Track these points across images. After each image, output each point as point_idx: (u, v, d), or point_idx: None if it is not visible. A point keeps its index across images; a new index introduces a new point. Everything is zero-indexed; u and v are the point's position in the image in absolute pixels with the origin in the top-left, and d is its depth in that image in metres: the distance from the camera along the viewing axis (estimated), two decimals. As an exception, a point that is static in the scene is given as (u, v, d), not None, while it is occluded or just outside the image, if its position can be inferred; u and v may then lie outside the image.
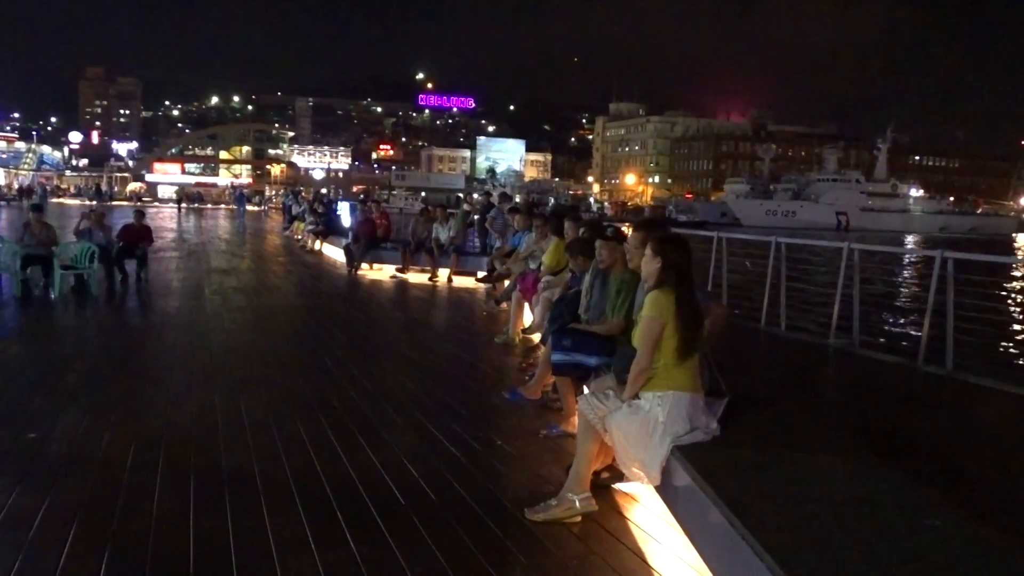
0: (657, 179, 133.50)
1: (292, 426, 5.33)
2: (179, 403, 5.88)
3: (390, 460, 4.72)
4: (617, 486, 4.31)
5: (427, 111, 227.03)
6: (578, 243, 5.87)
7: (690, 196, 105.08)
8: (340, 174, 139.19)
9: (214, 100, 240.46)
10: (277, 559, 3.45)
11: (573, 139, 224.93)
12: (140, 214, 14.43)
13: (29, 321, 9.76)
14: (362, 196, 50.65)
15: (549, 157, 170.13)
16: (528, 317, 8.57)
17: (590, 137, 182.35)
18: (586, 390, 4.68)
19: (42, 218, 12.09)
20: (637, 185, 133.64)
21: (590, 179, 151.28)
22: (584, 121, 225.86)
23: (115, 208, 46.79)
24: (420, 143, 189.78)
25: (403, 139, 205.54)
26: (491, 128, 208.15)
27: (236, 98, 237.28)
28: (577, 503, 3.91)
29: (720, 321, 4.48)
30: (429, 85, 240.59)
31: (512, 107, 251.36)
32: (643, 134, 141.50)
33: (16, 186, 77.45)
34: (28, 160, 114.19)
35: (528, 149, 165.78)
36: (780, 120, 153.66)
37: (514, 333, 8.45)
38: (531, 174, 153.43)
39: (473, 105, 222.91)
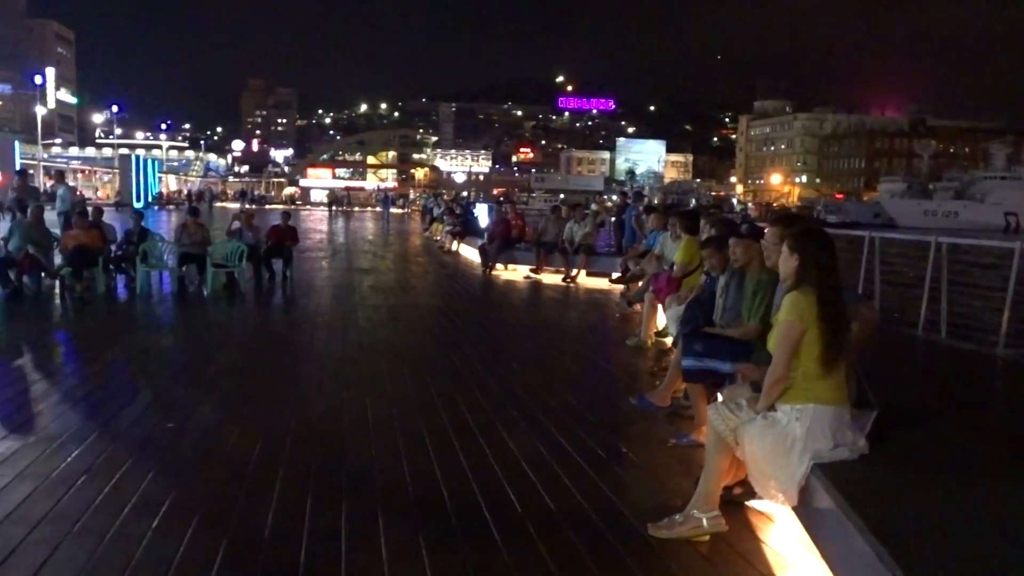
0: (805, 179, 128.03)
1: (415, 426, 5.28)
2: (309, 400, 5.96)
3: (510, 464, 4.57)
4: (751, 503, 3.97)
5: (566, 113, 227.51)
6: (712, 242, 5.53)
7: (840, 196, 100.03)
8: (481, 177, 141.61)
9: (363, 108, 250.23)
10: (387, 562, 3.37)
11: (715, 139, 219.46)
12: (286, 215, 15.02)
13: (181, 316, 10.31)
14: (500, 198, 51.19)
15: (690, 158, 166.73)
16: (662, 319, 8.25)
17: (733, 136, 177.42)
18: (719, 398, 4.37)
19: (197, 220, 12.77)
20: (783, 185, 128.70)
21: (733, 179, 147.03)
22: (727, 120, 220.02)
23: (269, 211, 49.30)
24: (559, 145, 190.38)
25: (543, 142, 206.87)
26: (630, 129, 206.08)
27: (383, 105, 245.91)
28: (704, 522, 3.61)
29: (869, 326, 4.05)
30: (568, 87, 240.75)
31: (652, 107, 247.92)
32: (790, 132, 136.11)
33: (185, 191, 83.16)
34: (196, 167, 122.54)
35: (668, 150, 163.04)
36: (940, 114, 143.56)
37: (646, 335, 8.15)
38: (671, 175, 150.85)
39: (612, 106, 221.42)
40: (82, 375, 6.79)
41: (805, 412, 3.39)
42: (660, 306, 8.14)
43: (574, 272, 14.44)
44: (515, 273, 15.51)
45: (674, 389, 5.60)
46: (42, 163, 69.96)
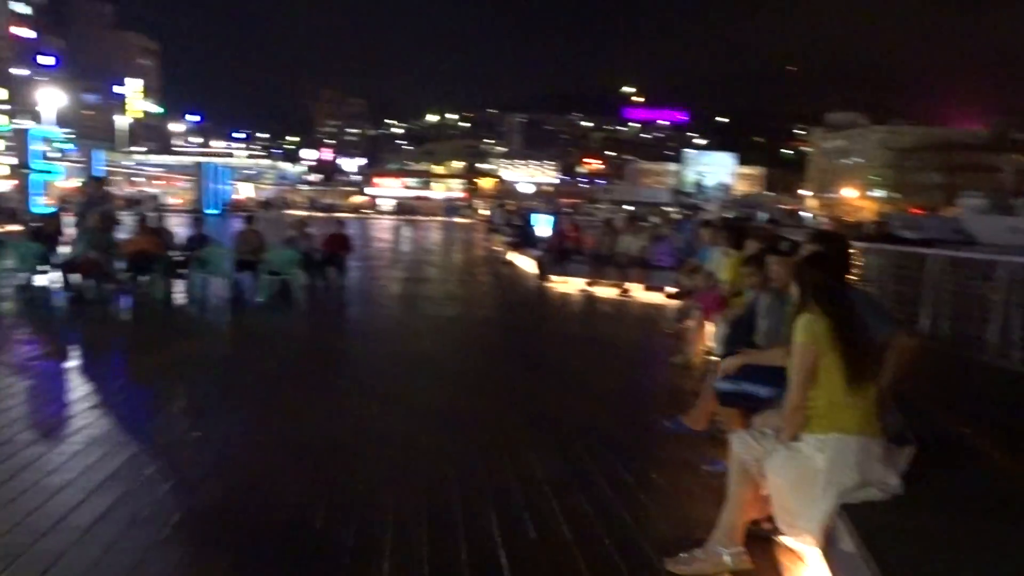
0: (880, 193, 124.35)
1: (439, 442, 5.16)
2: (337, 411, 5.90)
3: (530, 486, 4.41)
4: (782, 539, 3.73)
5: (635, 124, 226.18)
6: (751, 259, 5.28)
7: (918, 211, 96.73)
8: (547, 187, 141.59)
9: (432, 118, 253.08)
10: (385, 587, 3.25)
11: (787, 151, 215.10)
12: (341, 224, 15.14)
13: (231, 322, 10.45)
14: (563, 209, 50.99)
15: (761, 170, 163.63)
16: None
17: (805, 149, 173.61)
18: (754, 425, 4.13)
19: (253, 227, 12.96)
20: (858, 199, 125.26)
21: (805, 193, 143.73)
22: (799, 132, 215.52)
23: (324, 219, 50.05)
24: (627, 157, 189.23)
25: (609, 153, 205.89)
26: (699, 141, 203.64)
27: (452, 116, 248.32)
28: (727, 558, 3.39)
29: (907, 353, 3.76)
30: (636, 99, 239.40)
31: (722, 119, 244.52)
32: (865, 145, 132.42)
33: (258, 198, 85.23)
34: (269, 175, 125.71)
35: (739, 162, 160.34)
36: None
37: (693, 354, 7.89)
38: (741, 188, 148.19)
39: (681, 117, 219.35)
40: (124, 379, 6.90)
41: (828, 442, 3.16)
42: (710, 323, 7.89)
43: (628, 286, 14.19)
44: (570, 285, 15.33)
45: (710, 413, 5.36)
46: (125, 170, 72.69)
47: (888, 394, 3.51)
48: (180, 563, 3.42)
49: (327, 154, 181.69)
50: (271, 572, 3.37)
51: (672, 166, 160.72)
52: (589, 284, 14.84)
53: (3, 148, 61.22)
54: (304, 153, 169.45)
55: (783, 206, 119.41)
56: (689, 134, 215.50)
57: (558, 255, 15.93)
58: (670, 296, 12.12)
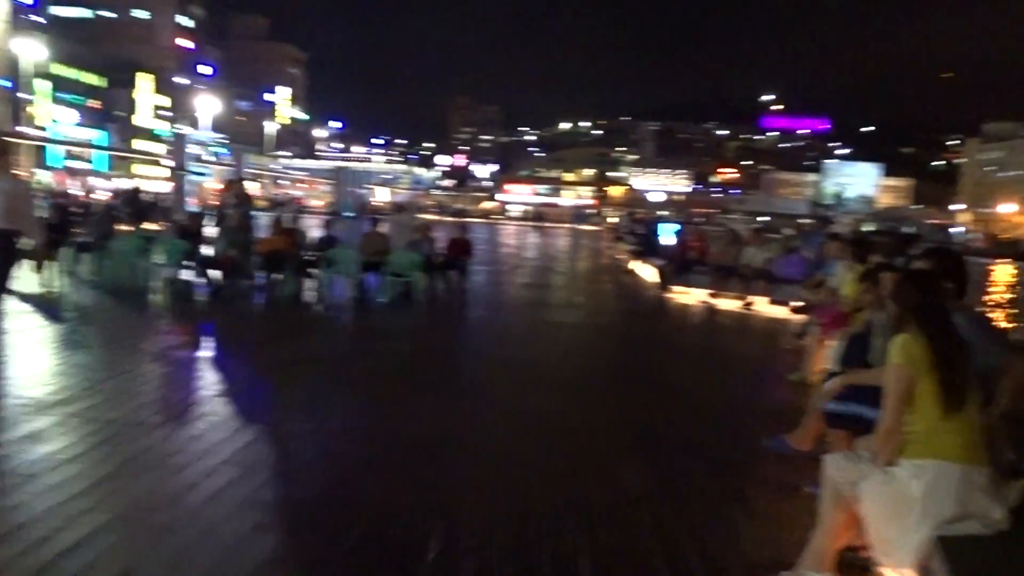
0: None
1: (527, 447, 5.20)
2: (439, 412, 6.03)
3: (614, 499, 4.37)
4: (882, 570, 3.54)
5: (772, 133, 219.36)
6: (868, 275, 5.04)
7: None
8: (678, 196, 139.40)
9: (564, 125, 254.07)
10: (463, 586, 3.31)
11: (938, 163, 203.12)
12: (464, 229, 15.44)
13: (353, 320, 10.86)
14: (692, 219, 50.02)
15: (908, 182, 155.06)
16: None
17: (958, 161, 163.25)
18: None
19: (378, 230, 13.42)
20: (1016, 214, 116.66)
21: (957, 207, 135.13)
22: (952, 143, 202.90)
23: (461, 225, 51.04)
24: (763, 167, 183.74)
25: (745, 162, 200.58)
26: (841, 151, 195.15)
27: (584, 123, 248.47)
28: (813, 583, 3.26)
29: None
30: (775, 107, 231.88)
31: (866, 128, 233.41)
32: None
33: (392, 202, 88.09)
34: (405, 180, 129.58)
35: (883, 173, 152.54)
36: None
37: (809, 371, 7.59)
38: (885, 200, 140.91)
39: (822, 126, 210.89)
40: (248, 370, 7.29)
41: (925, 469, 2.98)
42: (829, 340, 7.58)
43: (752, 299, 13.79)
44: (691, 296, 15.05)
45: (817, 434, 5.15)
46: (271, 173, 76.82)
47: (1002, 422, 3.28)
48: (276, 546, 3.61)
49: (460, 160, 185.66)
50: (356, 562, 3.49)
51: (811, 176, 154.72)
52: (711, 296, 14.52)
53: (163, 151, 65.75)
54: (439, 159, 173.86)
55: (931, 221, 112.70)
56: (831, 144, 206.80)
57: (680, 265, 15.67)
58: (793, 311, 11.70)
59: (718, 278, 14.67)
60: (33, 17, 73.94)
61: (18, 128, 54.08)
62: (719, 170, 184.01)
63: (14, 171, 6.44)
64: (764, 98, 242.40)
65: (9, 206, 6.04)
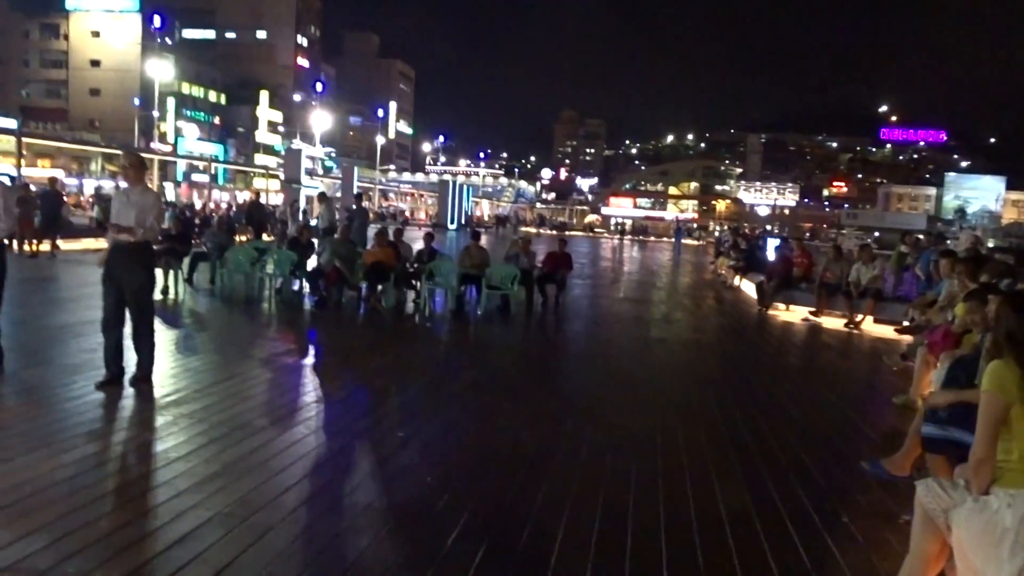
0: None
1: (625, 462, 5.20)
2: (532, 423, 6.10)
3: (709, 517, 4.33)
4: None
5: (888, 146, 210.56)
6: (973, 295, 4.83)
7: None
8: (786, 211, 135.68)
9: (669, 138, 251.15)
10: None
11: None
12: (562, 242, 15.50)
13: (451, 332, 11.07)
14: (804, 234, 48.59)
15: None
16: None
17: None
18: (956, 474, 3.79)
19: (479, 244, 13.64)
20: None
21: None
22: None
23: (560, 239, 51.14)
24: (878, 180, 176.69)
25: (859, 175, 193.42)
26: (963, 163, 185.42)
27: (689, 136, 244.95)
28: (904, 614, 3.15)
29: None
30: (893, 118, 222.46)
31: (991, 139, 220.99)
32: None
33: (495, 215, 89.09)
34: (508, 193, 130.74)
35: (1009, 187, 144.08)
36: None
37: (915, 394, 7.29)
38: (1010, 215, 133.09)
39: (943, 138, 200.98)
40: (348, 378, 7.55)
41: (1019, 499, 2.85)
42: (936, 362, 7.27)
43: (858, 318, 13.32)
44: (793, 314, 14.65)
45: (916, 459, 4.96)
46: (379, 187, 78.98)
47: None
48: (365, 548, 3.75)
49: (563, 173, 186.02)
50: (446, 567, 3.59)
51: (930, 190, 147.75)
52: (813, 314, 14.09)
53: (276, 165, 68.57)
54: (543, 172, 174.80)
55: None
56: (953, 156, 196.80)
57: (782, 281, 15.28)
58: (901, 331, 11.27)
59: (823, 295, 14.23)
60: (159, 39, 78.55)
61: (150, 144, 57.53)
62: (834, 184, 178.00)
63: (146, 183, 6.93)
64: (881, 109, 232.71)
65: (141, 216, 6.51)
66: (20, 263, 13.17)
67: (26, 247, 17.03)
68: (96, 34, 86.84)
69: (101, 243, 19.44)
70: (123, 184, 6.99)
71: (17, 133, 27.66)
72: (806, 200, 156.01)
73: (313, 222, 19.67)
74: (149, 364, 6.51)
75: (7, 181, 19.68)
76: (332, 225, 17.47)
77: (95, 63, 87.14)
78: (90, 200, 25.16)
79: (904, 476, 4.97)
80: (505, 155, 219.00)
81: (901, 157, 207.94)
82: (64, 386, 6.26)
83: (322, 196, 24.32)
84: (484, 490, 4.57)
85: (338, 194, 52.28)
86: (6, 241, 6.86)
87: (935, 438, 4.35)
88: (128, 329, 6.46)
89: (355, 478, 4.66)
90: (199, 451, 4.92)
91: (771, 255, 21.90)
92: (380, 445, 5.34)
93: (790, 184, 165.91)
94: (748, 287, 19.52)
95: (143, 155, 9.53)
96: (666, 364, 9.51)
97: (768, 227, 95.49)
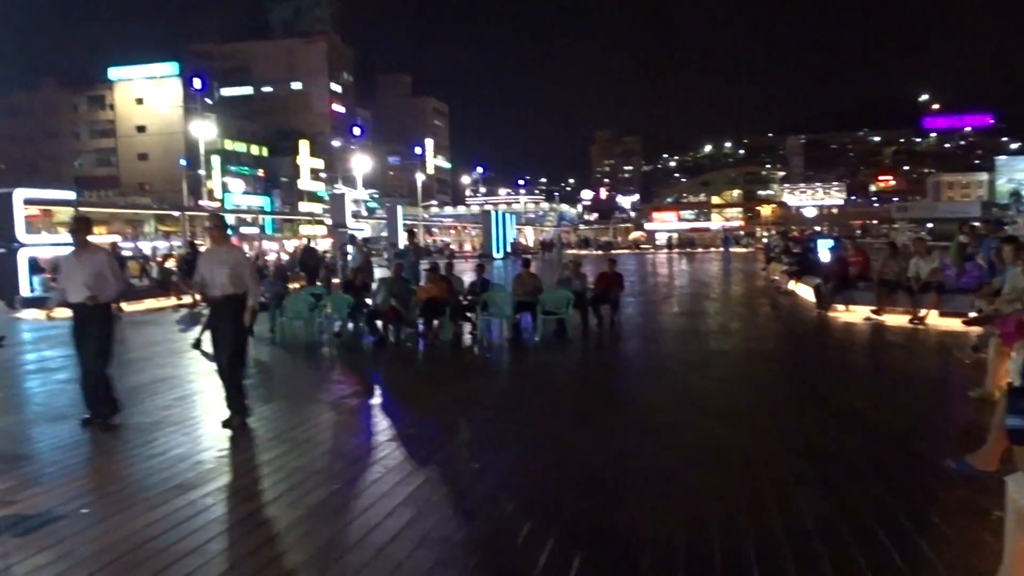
0: None
1: (698, 477, 5.19)
2: (603, 447, 6.11)
3: (793, 524, 4.30)
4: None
5: (933, 135, 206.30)
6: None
7: None
8: (834, 210, 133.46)
9: (707, 148, 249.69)
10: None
11: None
12: (612, 262, 15.49)
13: (510, 361, 11.14)
14: (854, 232, 47.78)
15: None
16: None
17: None
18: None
19: (530, 270, 13.72)
20: None
21: None
22: None
23: (610, 259, 50.96)
24: (925, 170, 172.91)
25: (905, 167, 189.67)
26: (1013, 145, 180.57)
27: (727, 144, 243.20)
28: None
29: None
30: (935, 106, 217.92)
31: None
32: None
33: (540, 240, 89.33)
34: (550, 218, 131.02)
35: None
36: None
37: (992, 387, 7.12)
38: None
39: (990, 121, 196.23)
40: (415, 414, 7.64)
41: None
42: (1011, 352, 7.10)
43: (922, 313, 13.05)
44: (854, 315, 14.40)
45: (1002, 453, 4.84)
46: (422, 223, 79.86)
47: None
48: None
49: (603, 192, 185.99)
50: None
51: (981, 176, 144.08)
52: (875, 312, 13.84)
53: (323, 211, 69.75)
54: (583, 194, 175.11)
55: None
56: (1003, 139, 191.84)
57: (840, 282, 15.05)
58: (968, 323, 10.98)
59: (882, 293, 13.98)
60: (200, 99, 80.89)
61: (199, 202, 59.11)
62: (879, 178, 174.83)
63: (230, 242, 7.32)
64: (922, 98, 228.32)
65: (233, 273, 6.90)
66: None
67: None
68: (140, 101, 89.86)
69: (161, 302, 20.02)
70: (205, 244, 7.47)
71: (75, 204, 28.67)
72: (853, 197, 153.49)
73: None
74: (241, 410, 7.05)
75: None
76: (365, 266, 17.72)
77: (141, 129, 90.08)
78: (158, 260, 25.83)
79: (992, 471, 4.85)
80: (544, 180, 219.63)
81: (947, 145, 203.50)
82: (147, 444, 6.46)
83: (352, 238, 24.73)
84: (565, 516, 4.59)
85: (384, 233, 53.05)
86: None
87: (1020, 430, 4.25)
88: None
89: (437, 513, 4.71)
90: (282, 497, 5.04)
91: (823, 257, 21.60)
92: (457, 478, 5.40)
93: (835, 183, 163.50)
94: (804, 291, 19.25)
95: (219, 214, 9.98)
96: (731, 376, 9.43)
97: (817, 228, 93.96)
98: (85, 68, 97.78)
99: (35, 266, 20.80)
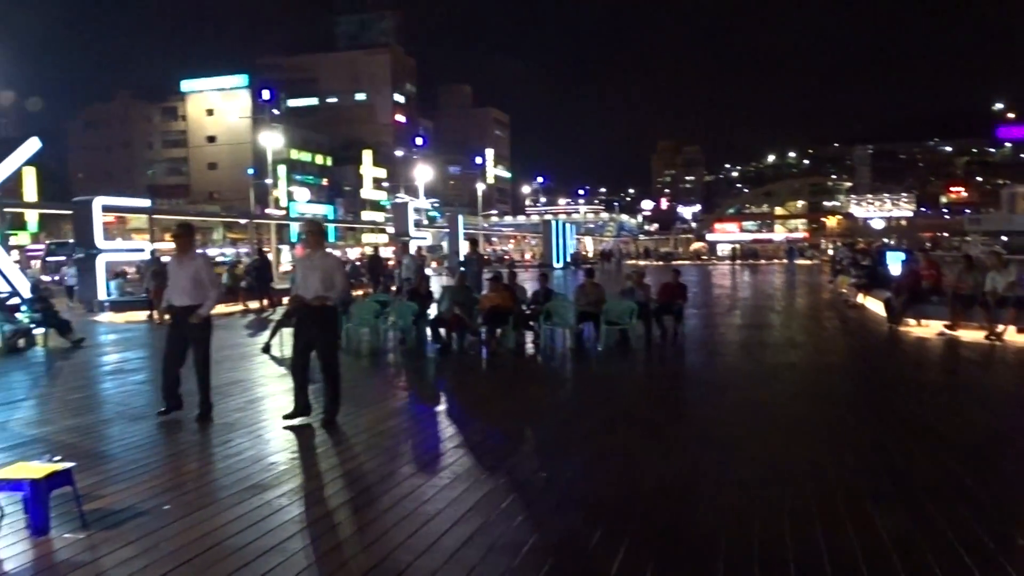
0: None
1: (774, 493, 5.10)
2: (671, 458, 6.07)
3: (874, 546, 4.19)
4: None
5: (1007, 145, 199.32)
6: None
7: None
8: (903, 222, 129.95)
9: (770, 158, 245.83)
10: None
11: None
12: (676, 273, 15.36)
13: (574, 371, 11.13)
14: (923, 245, 46.59)
15: None
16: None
17: None
18: None
19: (593, 280, 13.70)
20: None
21: None
22: None
23: (674, 269, 50.45)
24: (999, 181, 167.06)
25: (978, 179, 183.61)
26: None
27: (791, 154, 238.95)
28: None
29: None
30: (1010, 115, 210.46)
31: None
32: None
33: (599, 250, 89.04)
34: (610, 228, 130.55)
35: None
36: None
37: (1078, 405, 6.87)
38: None
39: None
40: (482, 420, 7.69)
41: None
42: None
43: (999, 328, 12.61)
44: (926, 329, 14.00)
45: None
46: (481, 231, 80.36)
47: None
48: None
49: (664, 203, 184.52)
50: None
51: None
52: (949, 327, 13.42)
53: (385, 219, 70.74)
54: (643, 204, 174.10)
55: None
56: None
57: (912, 296, 14.65)
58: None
59: (957, 308, 13.56)
60: (268, 110, 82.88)
61: (265, 211, 60.49)
62: (950, 189, 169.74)
63: (325, 248, 7.58)
64: (996, 107, 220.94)
65: (325, 276, 7.11)
66: (160, 332, 13.99)
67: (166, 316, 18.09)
68: (210, 112, 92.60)
69: (230, 308, 20.53)
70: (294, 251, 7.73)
71: (149, 211, 29.66)
72: (923, 209, 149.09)
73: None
74: (334, 409, 7.32)
75: (148, 256, 21.14)
76: (419, 274, 17.86)
77: (211, 139, 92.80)
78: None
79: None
80: (604, 190, 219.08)
81: (1023, 155, 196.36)
82: (222, 444, 6.65)
83: (405, 247, 25.04)
84: (635, 525, 4.57)
85: (444, 242, 53.52)
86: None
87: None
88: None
89: (507, 519, 4.74)
90: (354, 500, 5.14)
91: (894, 269, 21.07)
92: (526, 486, 5.42)
93: (904, 194, 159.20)
94: (873, 304, 18.80)
95: (317, 222, 10.34)
96: (800, 390, 9.26)
97: (885, 240, 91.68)
98: (159, 81, 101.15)
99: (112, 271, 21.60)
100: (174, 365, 7.53)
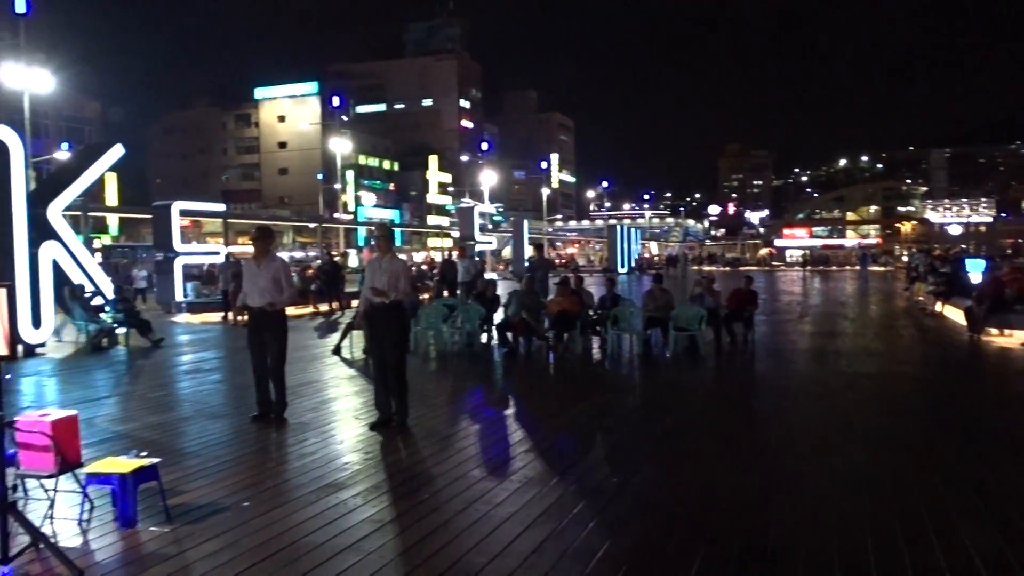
0: None
1: (854, 504, 4.97)
2: (745, 466, 5.97)
3: (961, 563, 4.05)
4: None
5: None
6: None
7: None
8: (982, 228, 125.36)
9: (841, 162, 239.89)
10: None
11: None
12: (748, 279, 15.08)
13: (642, 376, 11.03)
14: (1006, 252, 44.94)
15: None
16: None
17: None
18: None
19: (662, 286, 13.56)
20: None
21: None
22: None
23: (746, 276, 49.66)
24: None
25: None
26: None
27: (864, 158, 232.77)
28: None
29: None
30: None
31: None
32: None
33: (665, 255, 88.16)
34: (675, 233, 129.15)
35: None
36: None
37: None
38: None
39: None
40: (551, 426, 7.67)
41: None
42: None
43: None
44: (1011, 339, 13.47)
45: None
46: (546, 236, 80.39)
47: None
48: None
49: (731, 208, 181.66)
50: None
51: None
52: (1036, 337, 12.91)
53: (448, 224, 71.33)
54: (710, 209, 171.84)
55: None
56: None
57: (994, 304, 14.11)
58: None
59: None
60: (337, 117, 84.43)
61: (334, 215, 61.72)
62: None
63: (394, 252, 7.72)
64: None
65: (391, 279, 7.24)
66: (235, 333, 14.33)
67: (240, 318, 18.57)
68: (282, 118, 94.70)
69: (300, 310, 20.95)
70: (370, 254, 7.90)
71: (224, 215, 30.51)
72: (1003, 214, 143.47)
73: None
74: (403, 410, 7.41)
75: (222, 258, 21.75)
76: (476, 278, 17.89)
77: (282, 145, 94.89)
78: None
79: None
80: (669, 195, 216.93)
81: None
82: (298, 444, 6.78)
83: (462, 252, 25.14)
84: (711, 533, 4.50)
85: (508, 247, 53.70)
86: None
87: None
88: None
89: (579, 525, 4.71)
90: (427, 502, 5.18)
91: (974, 277, 20.31)
92: (598, 491, 5.39)
93: (983, 199, 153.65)
94: (953, 313, 18.17)
95: (387, 225, 10.57)
96: (878, 399, 9.00)
97: (963, 246, 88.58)
98: (233, 88, 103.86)
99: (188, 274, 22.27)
100: (265, 375, 7.69)
